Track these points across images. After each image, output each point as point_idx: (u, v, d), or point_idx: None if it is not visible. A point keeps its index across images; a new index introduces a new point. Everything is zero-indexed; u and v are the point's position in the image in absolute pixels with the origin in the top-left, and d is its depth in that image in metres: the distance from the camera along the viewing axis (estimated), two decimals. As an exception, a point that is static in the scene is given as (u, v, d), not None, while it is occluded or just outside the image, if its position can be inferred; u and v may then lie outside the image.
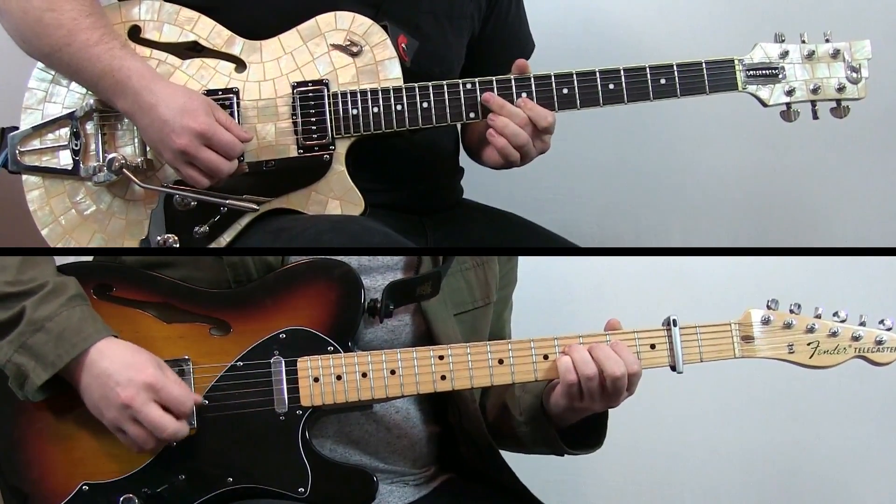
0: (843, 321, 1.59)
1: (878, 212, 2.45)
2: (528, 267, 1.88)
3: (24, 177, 1.73)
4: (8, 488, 1.51)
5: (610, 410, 1.58)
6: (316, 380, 1.50)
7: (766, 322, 1.58)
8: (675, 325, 1.56)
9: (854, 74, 1.76)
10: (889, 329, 1.59)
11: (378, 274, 1.59)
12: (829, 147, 2.41)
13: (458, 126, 2.01)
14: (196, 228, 1.70)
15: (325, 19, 1.74)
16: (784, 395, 2.30)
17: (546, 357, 1.54)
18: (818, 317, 1.59)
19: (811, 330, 1.58)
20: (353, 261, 1.55)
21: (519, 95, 1.73)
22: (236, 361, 1.51)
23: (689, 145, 2.45)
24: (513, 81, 1.73)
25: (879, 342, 1.58)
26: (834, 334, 1.58)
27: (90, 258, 1.65)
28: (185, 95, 1.63)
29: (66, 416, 1.50)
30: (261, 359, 1.51)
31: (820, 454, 2.35)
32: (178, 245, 1.70)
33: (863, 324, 1.59)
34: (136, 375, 1.44)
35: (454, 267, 1.66)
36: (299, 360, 1.51)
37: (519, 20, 2.03)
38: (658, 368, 1.56)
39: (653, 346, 1.55)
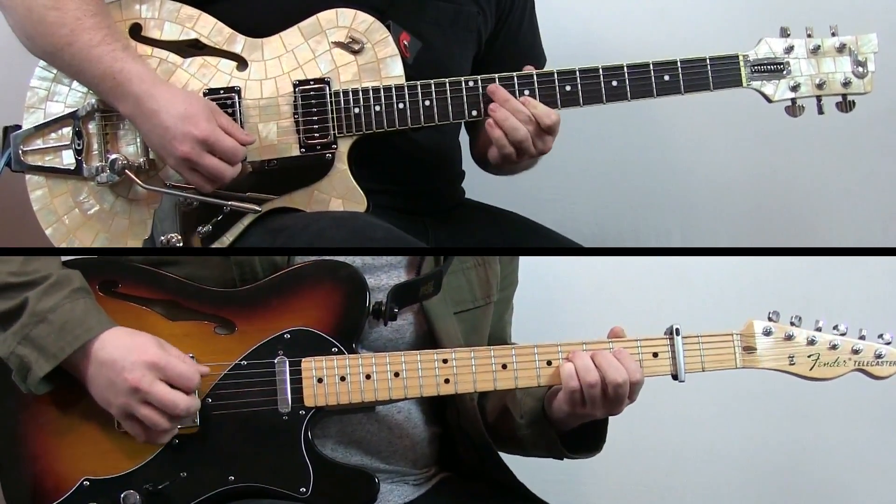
0: (843, 334, 1.61)
1: (878, 212, 2.45)
2: (529, 266, 1.87)
3: (28, 176, 1.73)
4: (9, 483, 1.51)
5: (610, 412, 1.59)
6: (320, 380, 1.50)
7: (767, 333, 1.59)
8: (678, 334, 1.56)
9: (860, 69, 1.74)
10: (888, 343, 1.61)
11: (382, 272, 1.59)
12: (829, 147, 2.41)
13: (468, 135, 2.00)
14: (199, 228, 1.70)
15: (326, 16, 1.73)
16: (784, 396, 2.30)
17: (549, 363, 1.54)
18: (818, 329, 1.60)
19: (812, 342, 1.59)
20: (356, 260, 1.55)
21: (522, 93, 1.72)
22: (240, 360, 1.51)
23: (689, 145, 2.45)
24: (515, 78, 1.72)
25: (879, 356, 1.60)
26: (834, 347, 1.60)
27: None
28: (186, 101, 1.63)
29: (68, 411, 1.50)
30: (265, 358, 1.51)
31: (820, 454, 2.35)
32: (181, 245, 1.70)
33: (862, 337, 1.61)
34: (139, 357, 1.44)
35: (455, 265, 1.66)
36: (303, 360, 1.50)
37: (531, 35, 2.01)
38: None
39: (655, 355, 1.56)
